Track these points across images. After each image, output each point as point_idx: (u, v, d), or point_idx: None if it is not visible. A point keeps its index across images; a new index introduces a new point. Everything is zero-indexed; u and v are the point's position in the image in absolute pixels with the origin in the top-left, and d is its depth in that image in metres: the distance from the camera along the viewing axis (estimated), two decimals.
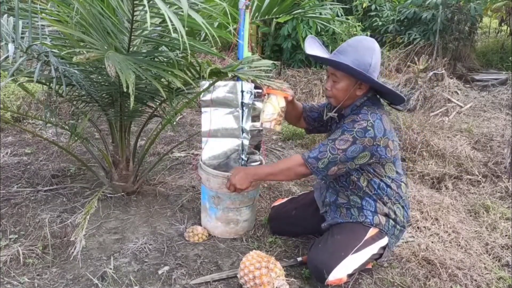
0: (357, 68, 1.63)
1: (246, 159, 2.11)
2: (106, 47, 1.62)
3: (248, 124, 2.03)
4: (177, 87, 2.08)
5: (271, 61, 2.02)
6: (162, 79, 2.07)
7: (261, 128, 2.03)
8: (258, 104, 1.98)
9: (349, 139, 1.67)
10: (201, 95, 2.01)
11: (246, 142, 2.07)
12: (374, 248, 1.78)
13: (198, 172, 2.08)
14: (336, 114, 1.85)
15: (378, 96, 1.83)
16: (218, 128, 2.06)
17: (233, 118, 2.06)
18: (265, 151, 2.23)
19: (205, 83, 1.96)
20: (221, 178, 1.95)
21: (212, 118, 2.04)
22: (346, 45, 1.72)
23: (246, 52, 1.97)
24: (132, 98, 1.42)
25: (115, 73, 1.38)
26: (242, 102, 2.02)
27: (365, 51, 1.67)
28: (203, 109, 2.04)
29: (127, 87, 1.37)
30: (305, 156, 1.75)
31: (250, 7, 1.90)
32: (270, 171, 1.86)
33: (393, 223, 1.82)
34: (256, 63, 1.91)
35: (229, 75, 1.82)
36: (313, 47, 1.83)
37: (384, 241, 1.81)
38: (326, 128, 2.05)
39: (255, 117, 2.01)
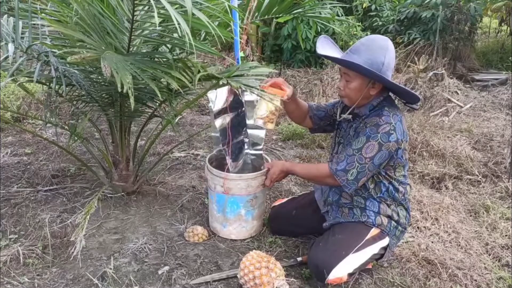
0: (369, 68, 1.61)
1: (253, 151, 2.17)
2: (104, 48, 1.62)
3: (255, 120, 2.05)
4: (177, 88, 2.08)
5: (269, 69, 2.01)
6: (162, 80, 2.07)
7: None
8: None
9: (375, 146, 1.65)
10: (212, 108, 2.01)
11: (253, 134, 2.14)
12: (375, 248, 1.78)
13: (228, 185, 1.97)
14: (350, 116, 1.81)
15: (392, 96, 1.81)
16: (233, 134, 2.09)
17: (241, 119, 2.10)
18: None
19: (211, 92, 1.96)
20: (260, 177, 1.98)
21: (227, 126, 2.06)
22: (359, 44, 1.70)
23: (239, 50, 1.99)
24: (132, 100, 1.42)
25: (110, 74, 1.38)
26: (244, 101, 2.04)
27: (378, 50, 1.65)
28: (215, 121, 2.03)
29: (122, 87, 1.37)
30: (333, 168, 1.73)
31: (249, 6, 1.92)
32: (302, 173, 1.90)
33: (395, 224, 1.82)
34: (254, 70, 1.89)
35: (220, 82, 1.81)
36: (325, 46, 1.81)
37: (385, 241, 1.80)
38: (333, 128, 2.02)
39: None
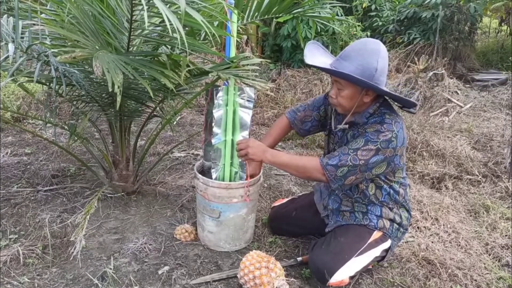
0: (361, 75, 1.54)
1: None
2: (97, 47, 1.61)
3: (240, 134, 1.90)
4: (173, 87, 2.07)
5: (260, 59, 1.96)
6: (162, 80, 2.06)
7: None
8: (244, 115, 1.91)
9: (372, 149, 1.60)
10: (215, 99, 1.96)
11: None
12: (377, 251, 1.78)
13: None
14: (347, 126, 1.74)
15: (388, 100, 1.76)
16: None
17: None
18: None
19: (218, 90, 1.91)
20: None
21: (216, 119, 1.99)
22: (350, 50, 1.62)
23: (233, 50, 1.91)
24: (118, 99, 1.41)
25: (101, 73, 1.38)
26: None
27: (369, 55, 1.57)
28: (213, 110, 1.97)
29: (113, 86, 1.37)
30: (324, 162, 1.67)
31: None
32: (286, 162, 1.76)
33: (397, 226, 1.81)
34: (244, 61, 1.84)
35: (209, 75, 1.78)
36: (314, 54, 1.75)
37: (387, 243, 1.80)
38: (324, 128, 1.99)
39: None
